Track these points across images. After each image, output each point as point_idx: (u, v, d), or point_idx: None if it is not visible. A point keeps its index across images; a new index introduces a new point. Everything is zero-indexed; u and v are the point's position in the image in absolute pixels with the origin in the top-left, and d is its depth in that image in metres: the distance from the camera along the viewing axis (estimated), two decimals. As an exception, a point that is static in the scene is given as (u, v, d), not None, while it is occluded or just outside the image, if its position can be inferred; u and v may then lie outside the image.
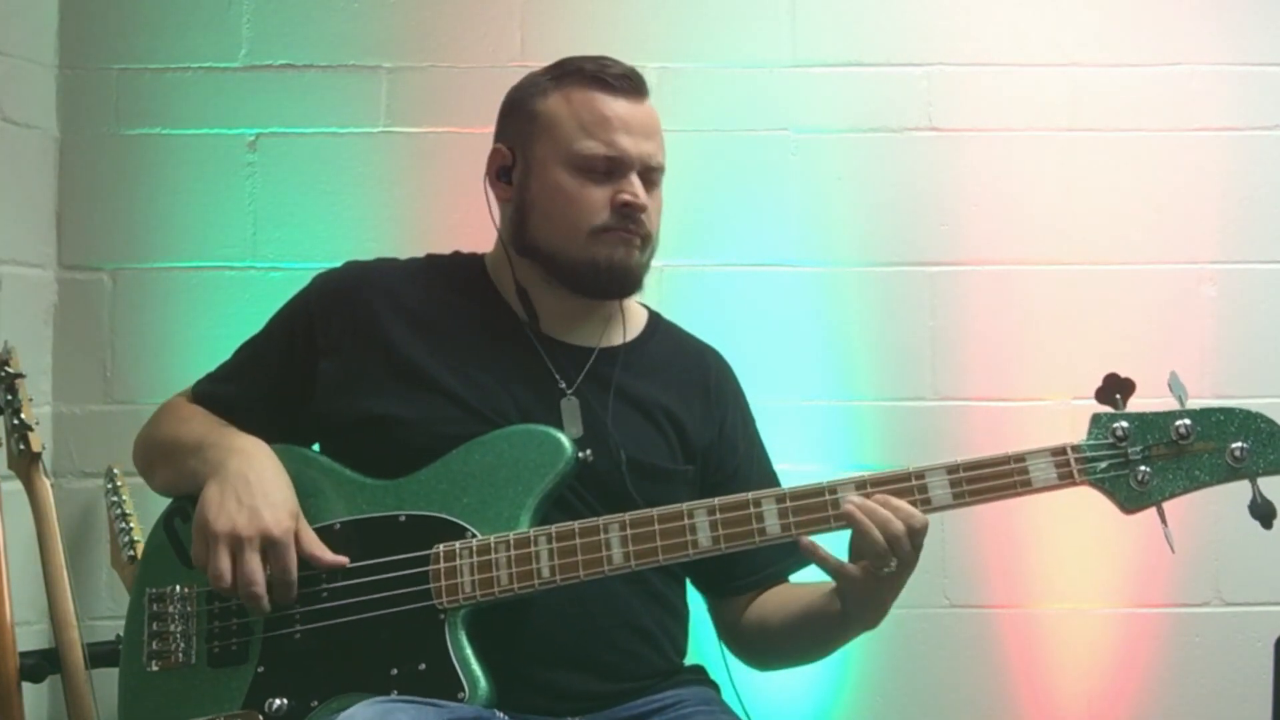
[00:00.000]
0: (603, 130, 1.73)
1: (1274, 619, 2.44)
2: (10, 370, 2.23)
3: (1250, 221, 2.53)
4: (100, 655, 2.13)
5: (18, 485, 2.22)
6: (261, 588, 1.59)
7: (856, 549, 1.59)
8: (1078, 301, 2.52)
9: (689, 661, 1.84)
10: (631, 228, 1.74)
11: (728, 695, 1.82)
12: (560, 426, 1.71)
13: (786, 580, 1.84)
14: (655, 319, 1.93)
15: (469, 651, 1.56)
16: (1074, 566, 2.47)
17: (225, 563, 1.59)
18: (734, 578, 1.81)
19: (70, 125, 2.55)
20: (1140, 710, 2.47)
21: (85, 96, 2.55)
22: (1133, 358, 2.48)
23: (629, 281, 1.77)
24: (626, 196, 1.72)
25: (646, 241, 1.77)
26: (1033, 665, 2.48)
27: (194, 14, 2.56)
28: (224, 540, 1.59)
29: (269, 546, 1.60)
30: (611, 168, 1.73)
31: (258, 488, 1.63)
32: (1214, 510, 2.45)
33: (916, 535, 1.56)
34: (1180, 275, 2.53)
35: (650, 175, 1.77)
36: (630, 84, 1.76)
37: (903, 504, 1.56)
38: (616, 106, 1.74)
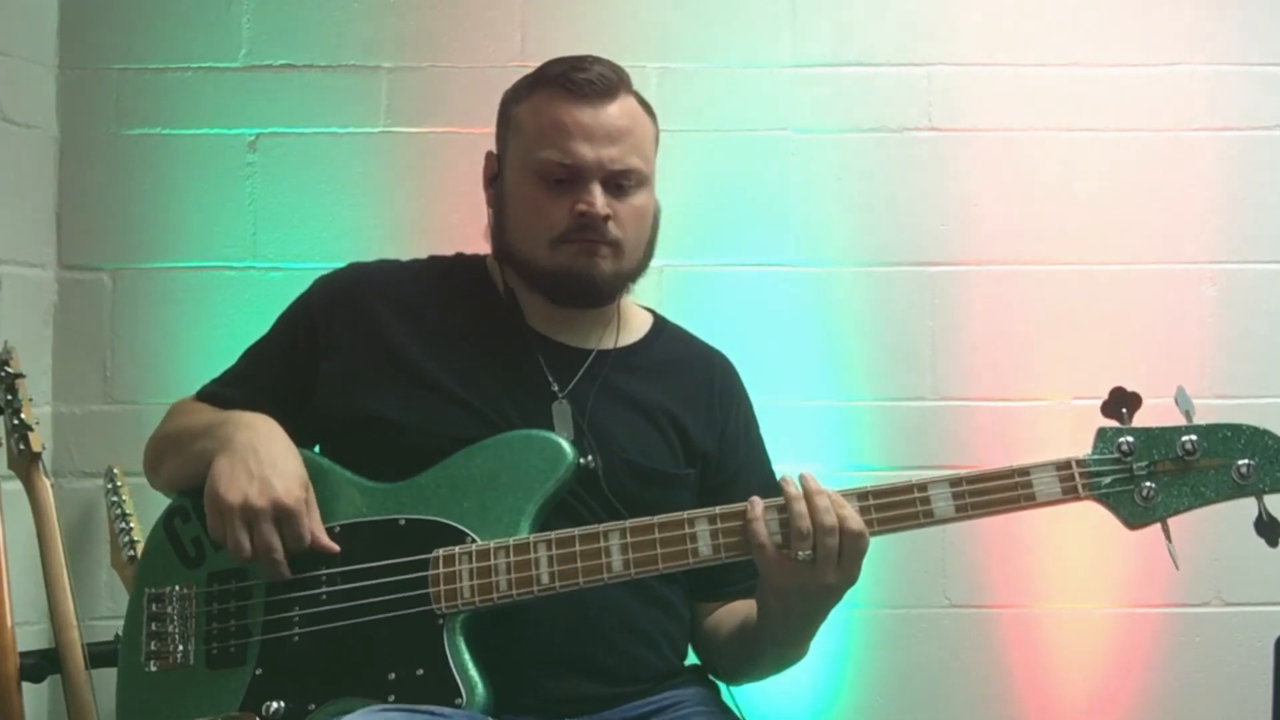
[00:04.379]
0: (559, 137, 1.70)
1: (1274, 619, 2.45)
2: (10, 370, 2.23)
3: (1250, 221, 2.53)
4: (100, 655, 2.13)
5: (18, 485, 2.22)
6: (281, 555, 1.60)
7: (790, 530, 1.55)
8: (1078, 301, 2.52)
9: (687, 663, 1.83)
10: (593, 236, 1.72)
11: (734, 693, 1.82)
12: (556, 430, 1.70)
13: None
14: (660, 322, 1.92)
15: (467, 657, 1.56)
16: (1074, 566, 2.47)
17: (243, 535, 1.59)
18: (727, 584, 1.79)
19: (70, 125, 2.55)
20: (1140, 710, 2.47)
21: (85, 96, 2.55)
22: (1133, 358, 2.50)
23: (591, 290, 1.75)
24: (582, 206, 1.70)
25: (618, 249, 1.74)
26: (1033, 665, 2.48)
27: (194, 14, 2.56)
28: (238, 512, 1.59)
29: (282, 516, 1.60)
30: (570, 176, 1.71)
31: (267, 458, 1.63)
32: (1214, 510, 2.44)
33: (850, 539, 1.53)
34: (1180, 275, 2.53)
35: (619, 180, 1.73)
36: (596, 87, 1.71)
37: (847, 505, 1.55)
38: (576, 112, 1.71)
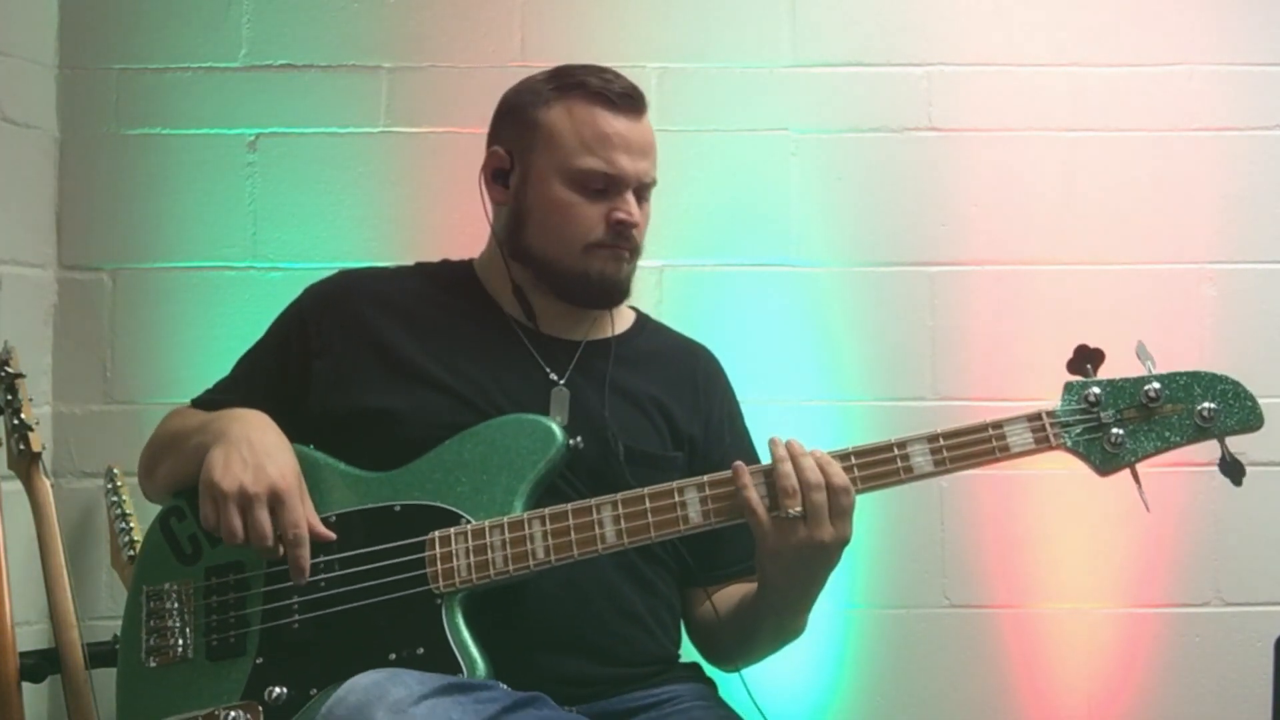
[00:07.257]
0: (603, 148, 1.77)
1: (1274, 619, 2.45)
2: (10, 370, 2.23)
3: (1250, 221, 2.54)
4: (100, 655, 2.12)
5: (18, 485, 2.21)
6: (273, 540, 1.61)
7: (776, 489, 1.60)
8: (1078, 301, 2.52)
9: (684, 660, 1.85)
10: (623, 244, 1.79)
11: (733, 692, 1.82)
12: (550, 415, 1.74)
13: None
14: (642, 318, 1.98)
15: (466, 634, 1.58)
16: (1074, 566, 2.47)
17: (236, 520, 1.61)
18: (721, 565, 1.83)
19: (70, 125, 2.55)
20: (1140, 710, 2.47)
21: (85, 96, 2.55)
22: (1133, 357, 2.49)
23: (616, 294, 1.83)
24: (622, 215, 1.78)
25: (635, 254, 1.83)
26: (1033, 665, 2.48)
27: (194, 14, 2.56)
28: (232, 498, 1.61)
29: (276, 502, 1.62)
30: (608, 185, 1.78)
31: (261, 447, 1.66)
32: (1214, 510, 2.45)
33: (837, 495, 1.58)
34: (1180, 275, 2.53)
35: (643, 191, 1.82)
36: (631, 102, 1.81)
37: (833, 463, 1.60)
38: (617, 124, 1.78)
